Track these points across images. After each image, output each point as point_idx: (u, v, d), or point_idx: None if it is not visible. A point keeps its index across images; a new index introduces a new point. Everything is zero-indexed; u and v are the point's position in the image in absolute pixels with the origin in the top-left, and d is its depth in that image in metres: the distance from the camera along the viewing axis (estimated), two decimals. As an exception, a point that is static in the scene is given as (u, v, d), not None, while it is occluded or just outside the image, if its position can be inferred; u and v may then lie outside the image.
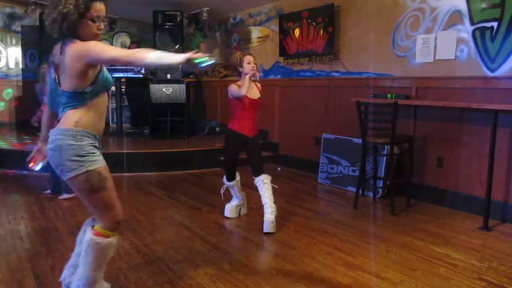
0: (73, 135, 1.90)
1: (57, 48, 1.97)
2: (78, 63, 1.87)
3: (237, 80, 3.47)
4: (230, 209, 3.67)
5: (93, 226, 2.05)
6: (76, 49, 1.88)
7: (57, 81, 1.97)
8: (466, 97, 3.73)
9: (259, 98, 3.49)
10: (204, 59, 1.85)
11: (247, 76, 3.37)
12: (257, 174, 3.39)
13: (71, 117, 1.93)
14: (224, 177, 3.64)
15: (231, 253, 2.91)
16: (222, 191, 3.75)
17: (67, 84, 1.91)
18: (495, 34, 3.53)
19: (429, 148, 4.11)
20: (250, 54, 3.48)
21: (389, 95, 4.23)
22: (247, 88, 3.34)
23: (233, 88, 3.40)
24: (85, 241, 2.01)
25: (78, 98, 1.93)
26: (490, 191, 3.36)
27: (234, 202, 3.71)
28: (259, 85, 3.56)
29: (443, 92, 3.95)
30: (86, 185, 1.92)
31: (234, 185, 3.64)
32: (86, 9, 1.87)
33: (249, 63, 3.40)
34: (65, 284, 2.20)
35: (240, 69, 3.43)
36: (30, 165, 2.18)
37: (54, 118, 2.10)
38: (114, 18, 7.73)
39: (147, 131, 7.11)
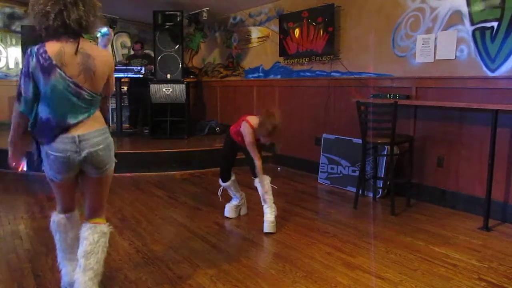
0: (108, 132, 2.05)
1: (58, 47, 1.83)
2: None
3: (251, 115, 3.32)
4: (230, 209, 3.67)
5: (90, 222, 2.10)
6: (108, 58, 2.03)
7: (75, 83, 1.86)
8: (466, 97, 3.73)
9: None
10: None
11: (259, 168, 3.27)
12: (257, 175, 3.38)
13: (101, 117, 2.04)
14: (220, 179, 3.65)
15: (231, 253, 2.91)
16: (219, 193, 3.75)
17: (97, 86, 1.95)
18: (495, 34, 3.53)
19: (429, 148, 4.11)
20: (272, 133, 3.14)
21: (398, 96, 4.19)
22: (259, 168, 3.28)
23: (248, 138, 3.22)
24: (100, 235, 2.05)
25: (99, 100, 2.03)
26: (490, 191, 3.36)
27: (234, 202, 3.70)
28: None
29: (443, 92, 3.95)
30: (112, 175, 2.12)
31: (230, 186, 3.64)
32: None
33: (264, 137, 3.18)
34: None
35: (260, 131, 3.17)
36: (20, 169, 2.11)
37: (23, 128, 1.96)
38: (114, 18, 7.73)
39: (146, 131, 7.13)
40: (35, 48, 1.84)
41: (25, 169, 2.11)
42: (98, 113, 2.01)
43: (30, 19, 1.90)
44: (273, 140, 3.29)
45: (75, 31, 1.84)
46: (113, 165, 2.09)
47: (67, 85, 1.83)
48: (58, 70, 1.81)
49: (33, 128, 1.94)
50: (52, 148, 1.89)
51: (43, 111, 1.88)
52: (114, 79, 2.10)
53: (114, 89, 2.15)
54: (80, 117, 1.90)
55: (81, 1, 1.83)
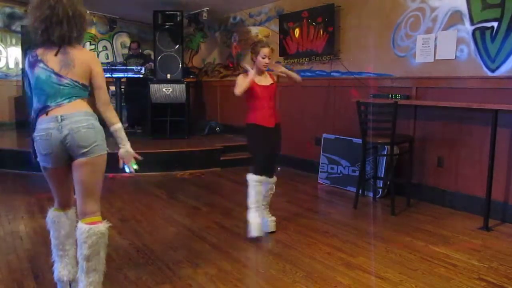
0: (95, 119, 2.10)
1: (43, 49, 2.06)
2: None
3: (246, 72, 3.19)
4: (257, 224, 3.14)
5: (84, 222, 2.06)
6: (87, 55, 2.16)
7: (55, 72, 2.04)
8: (466, 97, 3.72)
9: (272, 84, 3.21)
10: (132, 167, 2.34)
11: (251, 74, 3.05)
12: (270, 175, 3.24)
13: (88, 107, 2.10)
14: (258, 176, 3.15)
15: (231, 253, 2.91)
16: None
17: (79, 76, 2.07)
18: (495, 34, 3.53)
19: (429, 148, 4.11)
20: (269, 47, 3.19)
21: (397, 96, 4.18)
22: (245, 85, 3.01)
23: (238, 81, 3.08)
24: (98, 236, 2.02)
25: (82, 91, 2.11)
26: (490, 191, 3.36)
27: (256, 212, 3.19)
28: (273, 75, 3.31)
29: (443, 92, 3.95)
30: (104, 165, 2.11)
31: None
32: None
33: (264, 58, 3.13)
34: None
35: (254, 59, 3.18)
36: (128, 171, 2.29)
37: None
38: (114, 18, 7.73)
39: (139, 130, 7.18)
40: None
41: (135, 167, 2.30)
42: (84, 103, 2.09)
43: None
44: (271, 56, 3.19)
45: (59, 44, 2.04)
46: (104, 153, 2.09)
47: (48, 75, 2.02)
48: (41, 63, 2.03)
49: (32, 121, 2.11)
50: (37, 131, 2.04)
51: (34, 101, 2.08)
52: (101, 71, 2.15)
53: (104, 81, 2.16)
54: (59, 101, 2.03)
55: (66, 20, 2.00)
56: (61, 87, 2.03)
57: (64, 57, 2.03)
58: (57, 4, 1.98)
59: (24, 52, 7.64)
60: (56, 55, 2.02)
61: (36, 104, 2.06)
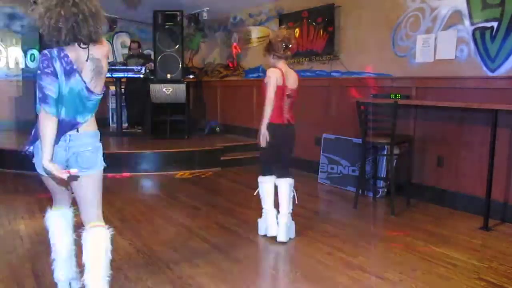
0: (99, 137, 2.09)
1: (76, 53, 1.91)
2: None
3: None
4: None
5: (87, 226, 2.07)
6: (107, 49, 2.08)
7: (87, 88, 1.95)
8: (466, 97, 3.72)
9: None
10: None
11: None
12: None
13: (95, 122, 2.07)
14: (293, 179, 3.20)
15: (231, 253, 2.91)
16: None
17: (102, 86, 2.02)
18: (495, 34, 3.53)
19: (429, 148, 4.11)
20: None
21: (398, 96, 4.17)
22: None
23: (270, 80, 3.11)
24: (99, 237, 2.04)
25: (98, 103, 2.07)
26: (490, 191, 3.36)
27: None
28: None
29: (443, 92, 3.95)
30: (101, 176, 2.11)
31: None
32: None
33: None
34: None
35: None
36: (72, 173, 1.94)
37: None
38: (114, 18, 7.72)
39: (139, 130, 7.21)
40: (55, 51, 1.89)
41: (76, 171, 1.94)
42: (94, 118, 2.08)
43: (39, 30, 1.90)
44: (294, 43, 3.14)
45: (86, 43, 1.94)
46: (101, 168, 2.08)
47: (81, 89, 1.95)
48: (78, 74, 1.92)
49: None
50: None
51: (63, 113, 1.95)
52: None
53: None
54: (87, 117, 2.00)
55: (91, 17, 1.90)
56: (88, 103, 1.99)
57: (94, 64, 1.96)
58: (81, 1, 1.88)
59: (24, 52, 7.66)
60: (87, 60, 1.94)
61: (65, 115, 1.94)
